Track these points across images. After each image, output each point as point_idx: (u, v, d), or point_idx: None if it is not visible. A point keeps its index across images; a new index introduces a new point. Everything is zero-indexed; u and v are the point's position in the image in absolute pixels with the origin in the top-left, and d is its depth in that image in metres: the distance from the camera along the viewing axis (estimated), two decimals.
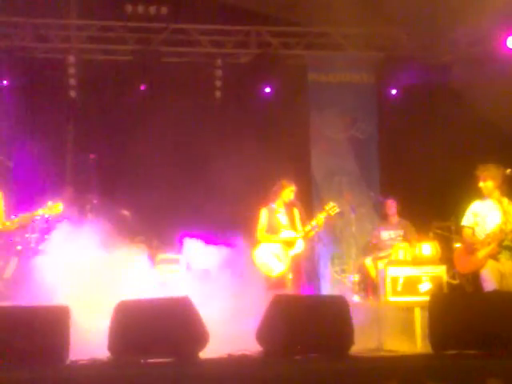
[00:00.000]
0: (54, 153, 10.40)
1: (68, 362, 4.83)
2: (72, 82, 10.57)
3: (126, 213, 8.92)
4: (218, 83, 10.93)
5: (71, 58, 10.57)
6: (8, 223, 6.30)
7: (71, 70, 10.56)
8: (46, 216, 6.59)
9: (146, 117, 10.48)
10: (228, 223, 9.29)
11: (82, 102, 10.62)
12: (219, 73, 10.94)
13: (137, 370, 4.69)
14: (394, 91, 10.77)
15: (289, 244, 7.38)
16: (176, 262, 8.36)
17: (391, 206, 8.96)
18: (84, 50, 10.84)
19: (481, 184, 6.95)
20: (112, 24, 10.82)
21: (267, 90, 10.83)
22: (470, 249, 6.91)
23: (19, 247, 7.55)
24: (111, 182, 9.48)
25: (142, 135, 10.31)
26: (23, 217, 6.28)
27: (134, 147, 10.16)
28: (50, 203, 6.37)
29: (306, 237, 7.46)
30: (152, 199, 9.73)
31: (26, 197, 8.15)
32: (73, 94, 10.57)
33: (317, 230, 7.44)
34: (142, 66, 10.61)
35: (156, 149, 10.08)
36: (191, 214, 9.76)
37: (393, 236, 8.72)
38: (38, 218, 6.48)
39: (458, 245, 8.13)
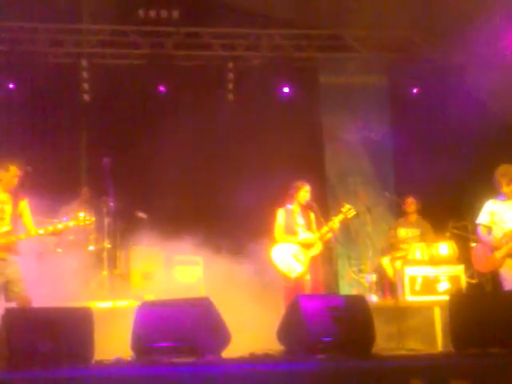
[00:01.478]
0: (70, 157, 10.50)
1: (93, 362, 4.88)
2: (85, 86, 10.66)
3: (142, 215, 8.96)
4: (231, 86, 10.98)
5: (84, 63, 10.66)
6: (42, 231, 6.39)
7: (84, 75, 10.65)
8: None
9: (160, 120, 10.54)
10: (242, 223, 9.32)
11: (96, 106, 10.69)
12: (231, 76, 11.00)
13: (160, 369, 4.71)
14: (415, 90, 10.78)
15: (307, 245, 7.38)
16: (194, 263, 8.40)
17: (411, 204, 8.90)
18: (96, 54, 10.91)
19: (505, 189, 6.92)
20: (124, 28, 10.89)
21: (286, 89, 10.87)
22: (488, 248, 6.92)
23: (40, 250, 7.63)
24: (127, 184, 9.52)
25: (156, 138, 10.38)
26: (56, 227, 6.37)
27: (149, 150, 10.25)
28: (81, 215, 6.47)
29: (323, 238, 7.46)
30: (168, 200, 9.78)
31: (42, 201, 8.20)
32: (86, 98, 10.66)
33: (334, 232, 7.44)
34: (155, 69, 10.69)
35: (170, 151, 10.11)
36: (208, 215, 9.81)
37: (410, 234, 8.68)
38: (71, 228, 6.56)
39: (474, 244, 8.14)
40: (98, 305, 6.92)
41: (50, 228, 6.38)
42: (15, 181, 6.43)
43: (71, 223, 6.42)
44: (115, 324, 6.07)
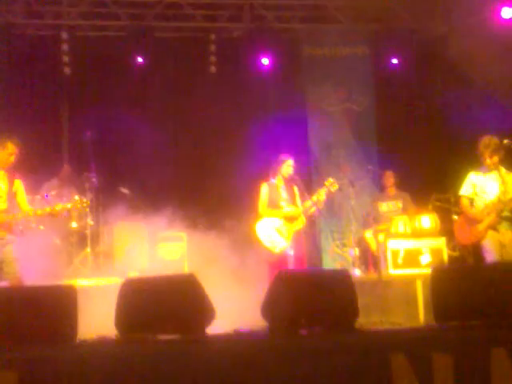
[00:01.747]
0: (50, 131, 10.36)
1: (77, 340, 4.87)
2: (66, 58, 10.47)
3: (125, 190, 8.92)
4: (213, 58, 10.84)
5: (64, 35, 10.46)
6: (39, 212, 6.46)
7: (64, 47, 10.45)
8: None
9: (142, 92, 10.44)
10: (225, 198, 9.32)
11: (77, 79, 10.53)
12: (213, 48, 10.86)
13: (144, 346, 4.71)
14: (394, 61, 10.70)
15: (290, 219, 7.38)
16: (178, 239, 8.39)
17: (389, 177, 8.99)
18: (77, 26, 10.71)
19: (488, 161, 6.97)
20: None
21: (265, 61, 10.70)
22: (470, 220, 6.98)
23: (21, 227, 7.58)
24: (109, 158, 9.46)
25: (138, 111, 10.29)
26: (54, 208, 6.40)
27: (131, 123, 10.13)
28: (77, 197, 6.49)
29: (306, 212, 7.47)
30: (151, 175, 9.74)
31: (22, 176, 8.14)
32: (67, 70, 10.47)
33: (317, 205, 7.43)
34: (136, 41, 10.52)
35: (152, 124, 10.04)
36: (191, 189, 9.78)
37: (391, 208, 8.77)
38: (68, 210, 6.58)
39: (456, 217, 8.21)
40: (82, 282, 6.92)
41: (48, 209, 6.42)
42: (12, 158, 6.41)
43: (69, 205, 6.44)
44: (99, 301, 6.07)
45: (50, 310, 4.92)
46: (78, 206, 6.49)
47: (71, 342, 4.83)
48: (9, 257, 6.18)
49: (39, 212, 6.43)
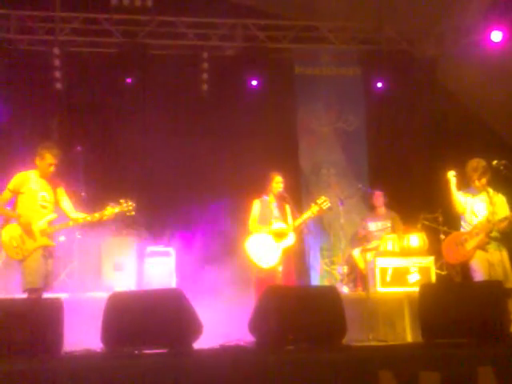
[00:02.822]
0: (40, 145, 10.32)
1: (62, 353, 4.83)
2: (57, 74, 10.48)
3: (114, 205, 8.87)
4: (205, 76, 10.88)
5: (56, 50, 10.48)
6: (89, 218, 6.44)
7: (56, 63, 10.46)
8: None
9: (133, 109, 10.44)
10: (218, 215, 9.31)
11: (68, 95, 10.53)
12: (206, 66, 10.91)
13: (131, 361, 4.67)
14: (379, 84, 10.80)
15: (280, 236, 7.39)
16: (166, 254, 8.37)
17: (378, 197, 9.02)
18: (69, 42, 10.74)
19: (476, 183, 7.02)
20: (97, 16, 10.74)
21: (254, 82, 10.77)
22: (458, 240, 7.00)
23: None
24: (99, 174, 9.43)
25: (129, 127, 10.29)
26: (103, 213, 6.42)
27: (121, 139, 10.15)
28: (123, 201, 6.48)
29: (297, 230, 7.48)
30: (141, 191, 9.71)
31: None
32: (58, 86, 10.48)
33: (307, 223, 7.45)
34: (128, 58, 10.56)
35: (143, 141, 10.05)
36: (181, 205, 9.76)
37: (380, 227, 8.77)
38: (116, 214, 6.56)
39: (443, 236, 8.25)
40: (68, 296, 6.88)
41: (97, 215, 6.42)
42: (51, 169, 6.42)
43: (116, 209, 6.42)
44: (85, 315, 6.04)
45: (36, 322, 4.89)
46: (125, 209, 6.44)
47: (56, 354, 4.80)
48: (52, 268, 6.27)
49: (88, 218, 6.42)
